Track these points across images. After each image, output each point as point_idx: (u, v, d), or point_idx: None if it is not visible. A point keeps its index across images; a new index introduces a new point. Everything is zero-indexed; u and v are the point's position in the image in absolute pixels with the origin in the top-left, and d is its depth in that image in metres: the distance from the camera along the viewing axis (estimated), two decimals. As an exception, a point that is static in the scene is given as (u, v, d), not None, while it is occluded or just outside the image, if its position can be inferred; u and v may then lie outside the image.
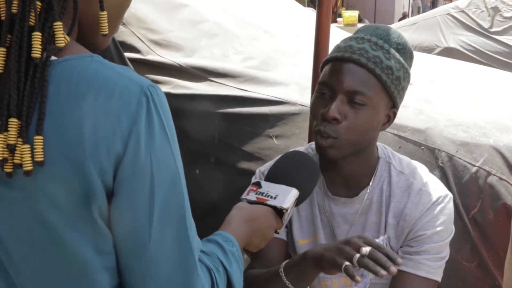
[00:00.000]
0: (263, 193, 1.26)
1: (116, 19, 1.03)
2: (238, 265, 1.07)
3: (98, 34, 0.97)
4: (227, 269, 1.03)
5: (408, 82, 1.48)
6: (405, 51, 1.45)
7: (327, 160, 1.44)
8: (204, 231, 1.58)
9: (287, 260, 1.40)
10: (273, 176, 1.33)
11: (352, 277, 1.20)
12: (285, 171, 1.33)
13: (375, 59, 1.39)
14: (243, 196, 1.27)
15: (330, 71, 1.42)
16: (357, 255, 1.22)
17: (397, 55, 1.42)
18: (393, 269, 1.18)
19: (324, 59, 1.49)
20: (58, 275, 0.92)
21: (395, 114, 1.47)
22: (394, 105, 1.45)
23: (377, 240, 1.26)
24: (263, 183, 1.30)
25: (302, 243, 1.56)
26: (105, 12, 0.95)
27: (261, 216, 1.21)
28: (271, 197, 1.24)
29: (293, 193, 1.27)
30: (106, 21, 0.96)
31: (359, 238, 1.27)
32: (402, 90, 1.45)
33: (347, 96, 1.38)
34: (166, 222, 0.90)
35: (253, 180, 1.54)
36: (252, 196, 1.26)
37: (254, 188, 1.28)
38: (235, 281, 1.04)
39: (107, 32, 0.96)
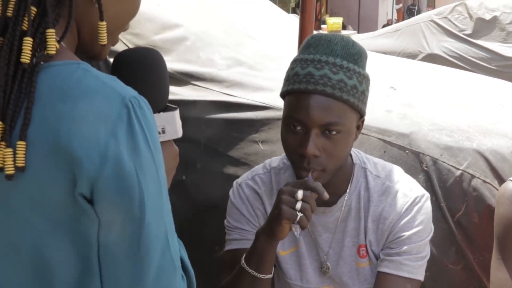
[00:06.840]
0: None
1: (116, 30, 1.03)
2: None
3: (97, 43, 0.97)
4: None
5: (366, 83, 1.44)
6: (361, 59, 1.41)
7: None
8: (191, 237, 1.58)
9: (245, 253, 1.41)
10: None
11: (304, 226, 1.28)
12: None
13: (339, 84, 1.35)
14: None
15: (297, 105, 1.38)
16: (299, 203, 1.28)
17: (357, 69, 1.39)
18: (326, 194, 1.32)
19: (284, 89, 1.44)
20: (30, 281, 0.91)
21: (363, 122, 1.47)
22: (361, 115, 1.44)
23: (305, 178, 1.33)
24: None
25: (283, 254, 1.56)
26: (104, 23, 0.95)
27: (165, 160, 1.07)
28: (159, 132, 1.07)
29: (176, 115, 1.13)
30: (105, 31, 0.96)
31: (287, 186, 1.32)
32: (363, 94, 1.42)
33: (320, 129, 1.36)
34: (152, 235, 0.89)
35: None
36: None
37: None
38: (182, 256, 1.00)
39: (105, 42, 0.97)
